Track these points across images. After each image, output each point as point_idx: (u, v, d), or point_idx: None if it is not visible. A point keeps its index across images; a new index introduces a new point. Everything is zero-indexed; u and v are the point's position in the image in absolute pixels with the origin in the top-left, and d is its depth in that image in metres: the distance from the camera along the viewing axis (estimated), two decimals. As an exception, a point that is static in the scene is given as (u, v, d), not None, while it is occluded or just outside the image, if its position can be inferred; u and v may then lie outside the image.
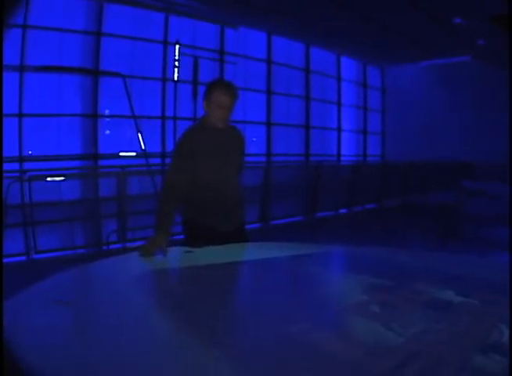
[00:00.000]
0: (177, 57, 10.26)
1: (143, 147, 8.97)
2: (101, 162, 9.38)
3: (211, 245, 2.74)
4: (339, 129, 15.62)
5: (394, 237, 7.85)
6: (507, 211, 7.10)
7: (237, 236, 3.05)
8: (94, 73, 9.17)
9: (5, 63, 7.29)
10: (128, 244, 6.87)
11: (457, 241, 7.26)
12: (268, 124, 12.83)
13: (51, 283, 1.98)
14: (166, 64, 10.43)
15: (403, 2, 9.71)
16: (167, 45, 10.42)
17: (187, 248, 2.69)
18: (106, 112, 9.61)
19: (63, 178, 7.05)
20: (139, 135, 8.84)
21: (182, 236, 3.06)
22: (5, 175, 6.31)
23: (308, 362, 1.29)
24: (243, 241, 3.07)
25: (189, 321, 1.58)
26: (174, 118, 10.46)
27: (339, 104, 15.57)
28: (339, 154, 15.55)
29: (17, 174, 7.08)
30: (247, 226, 3.44)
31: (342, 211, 11.01)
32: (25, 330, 1.44)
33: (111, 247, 6.93)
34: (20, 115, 8.25)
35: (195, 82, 10.41)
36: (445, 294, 1.91)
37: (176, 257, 2.63)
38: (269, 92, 12.82)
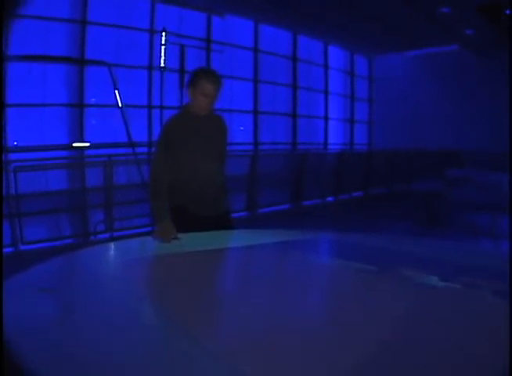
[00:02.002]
0: (163, 46, 10.18)
1: (130, 136, 8.93)
2: (87, 152, 9.33)
3: (195, 232, 2.76)
4: (326, 118, 15.65)
5: (380, 225, 7.91)
6: (492, 198, 7.19)
7: (222, 223, 3.06)
8: (79, 62, 9.08)
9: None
10: (116, 234, 6.86)
11: (441, 228, 7.34)
12: (255, 112, 12.82)
13: (35, 271, 1.99)
14: (152, 53, 10.36)
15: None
16: (153, 33, 10.35)
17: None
18: (92, 100, 9.55)
19: (49, 168, 7.01)
20: (126, 124, 8.78)
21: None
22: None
23: (294, 346, 1.31)
24: (227, 228, 3.09)
25: (174, 308, 1.60)
26: (161, 107, 10.41)
27: (326, 93, 15.58)
28: (326, 143, 15.59)
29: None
30: (234, 214, 3.46)
31: (329, 199, 11.05)
32: (8, 319, 1.45)
33: (99, 237, 6.91)
34: (5, 106, 8.16)
35: (181, 71, 10.36)
36: (429, 279, 1.95)
37: (161, 244, 2.64)
38: (256, 81, 12.79)
